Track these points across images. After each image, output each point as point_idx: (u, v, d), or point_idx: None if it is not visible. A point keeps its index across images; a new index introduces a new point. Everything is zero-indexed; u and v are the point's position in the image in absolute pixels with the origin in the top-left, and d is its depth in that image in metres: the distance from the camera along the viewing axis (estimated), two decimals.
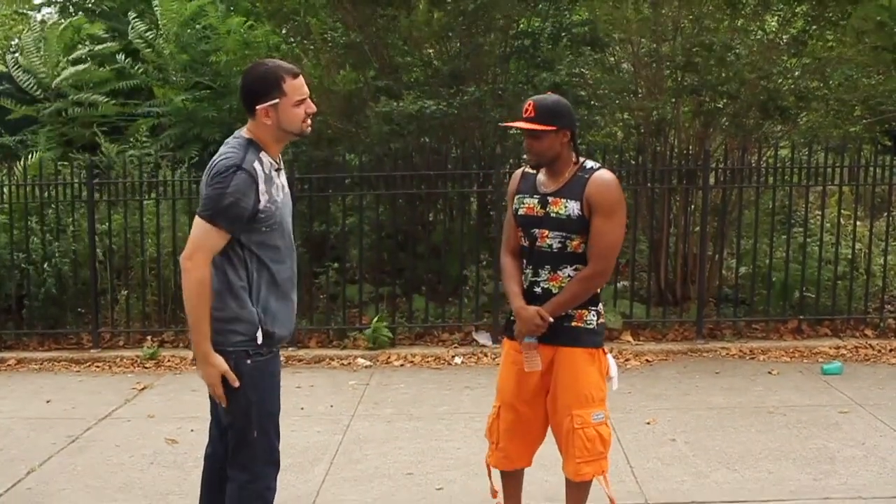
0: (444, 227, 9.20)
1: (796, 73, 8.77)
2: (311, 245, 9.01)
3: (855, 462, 5.39)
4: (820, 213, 8.86)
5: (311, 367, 8.08)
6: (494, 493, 4.40)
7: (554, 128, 3.85)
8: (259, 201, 3.39)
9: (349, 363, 8.10)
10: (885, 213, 9.01)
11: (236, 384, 3.45)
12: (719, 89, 8.45)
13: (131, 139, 10.45)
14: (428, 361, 8.08)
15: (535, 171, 4.06)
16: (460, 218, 9.13)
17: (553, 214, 3.92)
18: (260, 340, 3.48)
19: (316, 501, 5.01)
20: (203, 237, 3.37)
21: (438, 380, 7.50)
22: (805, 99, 8.69)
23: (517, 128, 3.97)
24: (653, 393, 6.96)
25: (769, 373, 7.43)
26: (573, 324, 3.97)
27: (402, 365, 8.04)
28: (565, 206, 3.89)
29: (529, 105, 3.90)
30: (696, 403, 6.67)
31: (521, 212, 4.05)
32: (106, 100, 11.36)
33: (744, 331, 8.57)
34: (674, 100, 8.91)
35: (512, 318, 4.09)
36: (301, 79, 3.51)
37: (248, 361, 3.48)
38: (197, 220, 3.39)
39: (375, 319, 8.38)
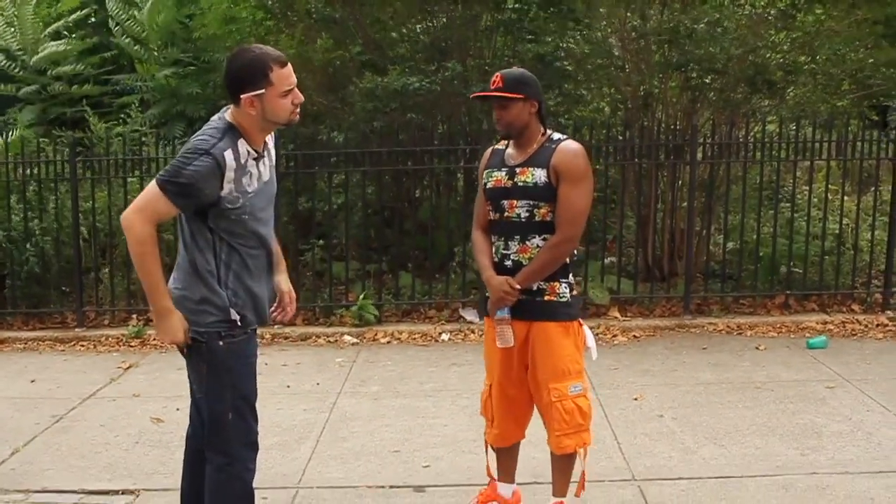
0: (430, 203, 9.15)
1: (784, 48, 8.72)
2: (297, 222, 8.96)
3: (842, 437, 5.39)
4: (807, 188, 8.84)
5: (297, 344, 8.05)
6: (490, 472, 4.40)
7: (521, 96, 3.91)
8: (222, 189, 3.32)
9: (336, 341, 8.07)
10: (873, 188, 9.00)
11: (188, 341, 3.43)
12: (706, 64, 8.40)
13: (120, 116, 10.36)
14: (415, 338, 8.05)
15: (504, 147, 4.13)
16: (447, 194, 9.08)
17: (520, 184, 3.96)
18: (235, 322, 3.44)
19: (302, 479, 4.99)
20: (149, 198, 3.31)
21: (425, 357, 7.48)
22: (793, 73, 8.66)
23: (486, 96, 4.00)
24: (640, 369, 6.95)
25: (756, 348, 7.43)
26: (546, 298, 3.98)
27: (388, 342, 8.01)
28: (532, 174, 3.94)
29: (497, 77, 3.96)
30: (683, 379, 6.66)
31: (489, 185, 4.09)
32: (88, 72, 11.23)
33: (731, 306, 8.56)
34: (661, 74, 8.86)
35: (487, 294, 4.08)
36: (289, 67, 3.38)
37: (221, 343, 3.44)
38: (152, 184, 3.33)
39: (362, 296, 8.35)
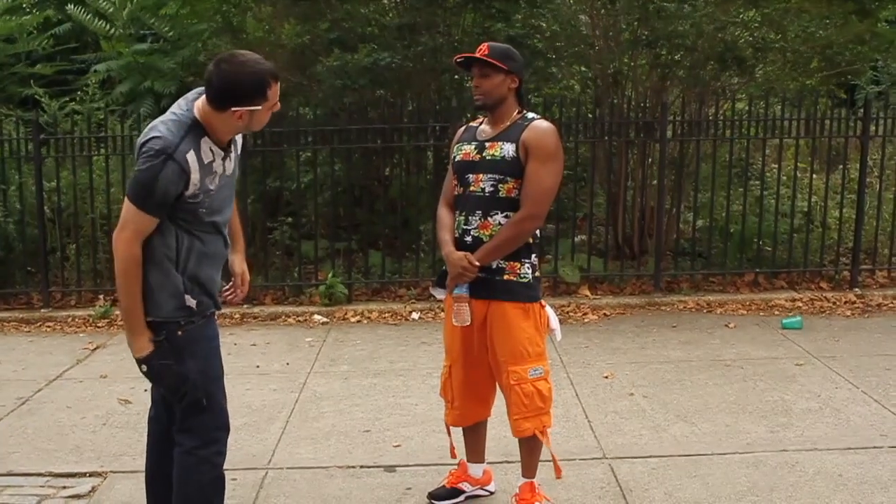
0: (400, 181, 9.10)
1: (754, 25, 8.71)
2: (265, 200, 8.87)
3: (811, 414, 5.42)
4: (776, 166, 8.86)
5: (266, 324, 7.99)
6: (454, 453, 4.37)
7: (505, 67, 3.88)
8: (188, 188, 3.24)
9: (305, 320, 8.02)
10: (841, 166, 9.04)
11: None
12: (676, 41, 8.39)
13: (78, 94, 10.20)
14: (385, 317, 8.02)
15: (478, 125, 4.09)
16: (417, 172, 9.03)
17: (488, 157, 3.91)
18: (191, 307, 3.38)
19: (272, 460, 4.95)
20: (131, 218, 3.23)
21: (395, 336, 7.45)
22: (762, 51, 8.66)
23: (471, 58, 3.92)
24: (610, 347, 6.96)
25: (726, 326, 7.46)
26: (505, 277, 3.92)
27: (358, 321, 7.97)
28: (501, 148, 3.89)
29: (484, 46, 3.94)
30: (653, 357, 6.67)
31: (457, 158, 4.05)
32: (47, 50, 11.04)
33: (701, 284, 8.59)
34: (631, 52, 8.83)
35: (445, 268, 4.04)
36: (278, 82, 3.34)
37: (180, 333, 3.38)
38: (128, 204, 3.23)
39: (331, 275, 8.30)
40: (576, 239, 8.92)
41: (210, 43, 9.53)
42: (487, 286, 3.92)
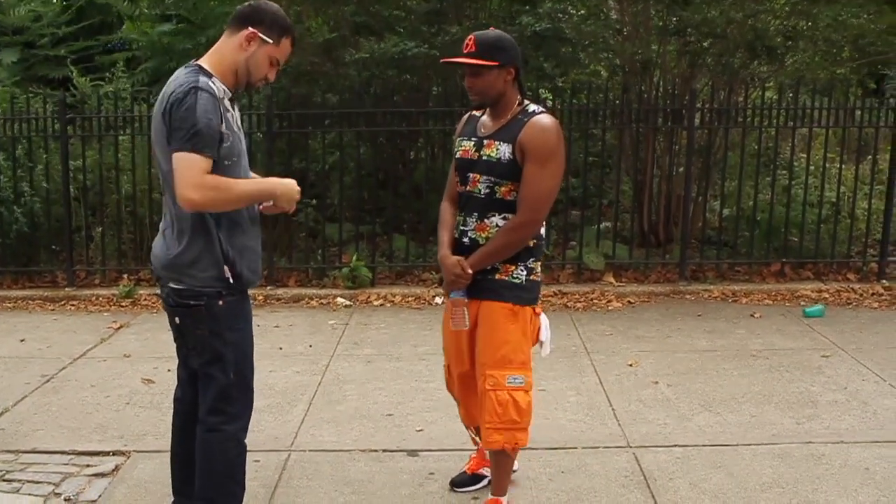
0: (425, 165, 9.07)
1: (784, 12, 8.62)
2: None
3: (837, 406, 5.37)
4: (805, 155, 8.78)
5: (289, 306, 7.99)
6: (475, 441, 4.26)
7: (496, 63, 3.58)
8: (222, 122, 3.22)
9: (328, 303, 8.01)
10: (870, 157, 8.94)
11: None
12: (705, 29, 8.30)
13: (106, 74, 10.21)
14: (408, 301, 8.00)
15: (480, 114, 3.84)
16: (442, 157, 9.00)
17: (485, 157, 3.68)
18: (230, 280, 3.36)
19: (294, 443, 4.94)
20: (192, 171, 3.14)
21: (419, 319, 7.43)
22: (793, 39, 8.56)
23: (457, 63, 3.69)
24: (635, 335, 6.92)
25: (752, 315, 7.40)
26: (497, 276, 3.70)
27: (381, 304, 7.96)
28: (497, 149, 3.64)
29: (470, 40, 3.63)
30: (678, 346, 6.63)
31: (458, 154, 3.84)
32: (66, 31, 11.05)
33: (726, 273, 8.53)
34: (659, 39, 8.75)
35: None
36: (290, 47, 3.42)
37: (221, 303, 3.36)
38: (179, 156, 3.15)
39: (355, 258, 8.29)
40: (601, 226, 8.87)
41: None
42: (478, 286, 3.72)
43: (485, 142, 3.70)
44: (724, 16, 8.12)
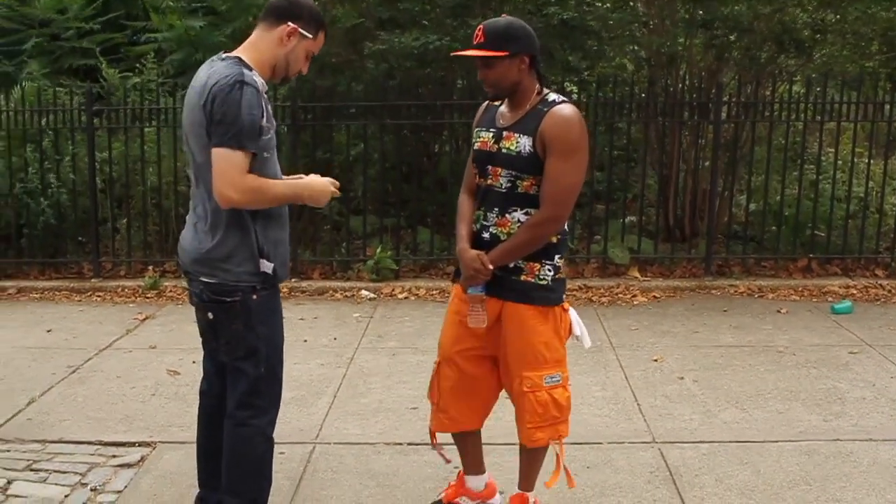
0: (449, 158, 9.06)
1: (812, 5, 8.54)
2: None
3: (865, 403, 5.32)
4: (832, 150, 8.70)
5: (314, 298, 8.00)
6: (447, 459, 4.11)
7: (506, 53, 3.40)
8: (263, 117, 3.22)
9: (353, 295, 8.02)
10: None
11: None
12: (732, 22, 8.24)
13: (135, 66, 10.24)
14: (432, 294, 8.00)
15: (499, 103, 3.65)
16: (466, 149, 8.96)
17: (504, 150, 3.51)
18: (268, 271, 3.36)
19: (319, 435, 4.95)
20: (234, 170, 3.14)
21: (443, 313, 7.36)
22: (821, 32, 8.49)
23: (468, 56, 3.55)
24: (660, 330, 6.88)
25: (778, 311, 7.35)
26: (522, 277, 3.54)
27: (406, 297, 7.96)
28: (517, 142, 3.47)
29: (479, 30, 3.45)
30: (704, 341, 6.59)
31: (476, 146, 3.67)
32: (92, 25, 11.07)
33: (753, 268, 8.47)
34: (686, 32, 8.70)
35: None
36: (324, 40, 3.48)
37: (255, 297, 3.36)
38: (221, 152, 3.14)
39: (379, 250, 8.29)
40: (626, 220, 8.83)
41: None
42: (503, 285, 3.55)
43: (504, 133, 3.53)
44: (752, 9, 8.06)
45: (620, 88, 8.62)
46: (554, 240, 3.56)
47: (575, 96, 8.77)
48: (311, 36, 3.37)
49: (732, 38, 8.57)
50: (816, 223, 8.49)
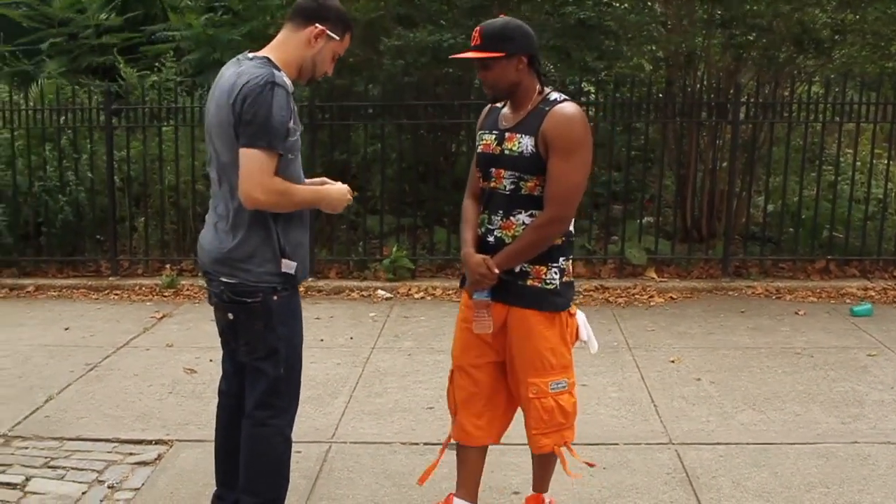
0: (466, 158, 9.05)
1: (832, 5, 8.50)
2: (331, 175, 8.82)
3: (884, 406, 5.29)
4: (851, 151, 8.66)
5: (330, 298, 8.01)
6: (423, 478, 3.95)
7: (502, 54, 3.35)
8: (291, 118, 3.23)
9: (369, 295, 8.03)
10: None
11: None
12: (751, 22, 8.21)
13: (154, 65, 10.28)
14: (449, 294, 7.99)
15: (501, 106, 3.59)
16: None
17: (507, 152, 3.45)
18: (291, 271, 3.36)
19: (335, 434, 4.96)
20: (262, 171, 3.15)
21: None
22: (840, 32, 8.45)
23: (464, 58, 3.54)
24: (677, 331, 6.86)
25: (796, 313, 7.31)
26: (529, 282, 3.48)
27: (422, 297, 7.96)
28: (519, 143, 3.42)
29: (476, 32, 3.42)
30: (721, 342, 6.57)
31: (479, 149, 3.61)
32: (113, 21, 11.12)
33: (770, 269, 8.44)
34: (704, 32, 8.67)
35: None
36: (350, 41, 3.50)
37: (276, 297, 3.36)
38: (250, 152, 3.15)
39: (395, 249, 8.29)
40: (643, 220, 8.81)
41: (279, 14, 9.54)
42: (509, 290, 3.49)
43: (506, 135, 3.48)
44: (771, 9, 8.02)
45: (638, 88, 8.61)
46: (559, 242, 3.50)
47: (592, 96, 8.76)
48: (338, 37, 3.38)
49: (751, 37, 8.53)
50: (834, 224, 8.45)
